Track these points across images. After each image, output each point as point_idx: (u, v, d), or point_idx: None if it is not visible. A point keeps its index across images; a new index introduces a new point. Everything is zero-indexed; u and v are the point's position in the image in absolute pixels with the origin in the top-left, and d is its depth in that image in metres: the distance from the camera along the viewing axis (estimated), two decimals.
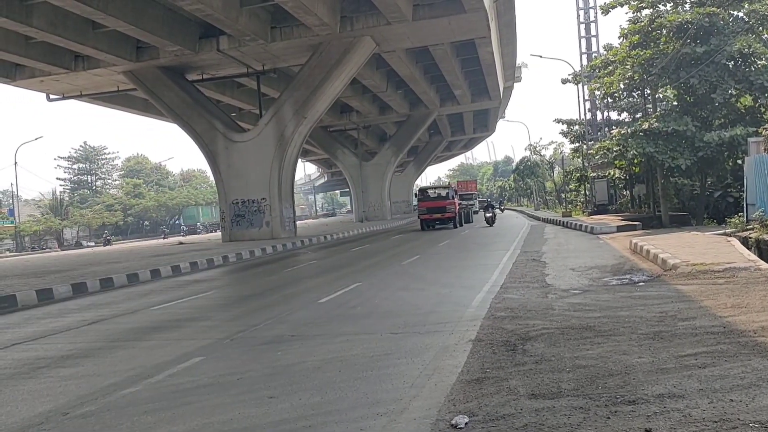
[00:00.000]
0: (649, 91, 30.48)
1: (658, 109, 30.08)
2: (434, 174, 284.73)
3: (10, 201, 71.17)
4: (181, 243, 38.42)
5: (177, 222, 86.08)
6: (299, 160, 41.49)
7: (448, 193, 36.47)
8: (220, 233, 36.07)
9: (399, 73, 39.64)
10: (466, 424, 4.79)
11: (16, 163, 58.31)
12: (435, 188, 38.76)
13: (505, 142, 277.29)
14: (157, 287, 16.73)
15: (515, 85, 59.15)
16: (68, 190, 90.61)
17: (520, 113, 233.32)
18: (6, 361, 8.48)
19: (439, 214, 35.39)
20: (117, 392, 6.53)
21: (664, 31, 25.37)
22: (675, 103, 28.58)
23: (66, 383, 7.11)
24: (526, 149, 74.62)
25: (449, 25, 29.25)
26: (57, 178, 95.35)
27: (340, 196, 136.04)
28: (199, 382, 6.73)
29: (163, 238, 61.89)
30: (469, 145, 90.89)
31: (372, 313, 10.24)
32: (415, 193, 38.11)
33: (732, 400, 4.81)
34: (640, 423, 4.50)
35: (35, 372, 7.76)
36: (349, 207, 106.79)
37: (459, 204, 40.37)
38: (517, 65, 54.02)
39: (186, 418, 5.55)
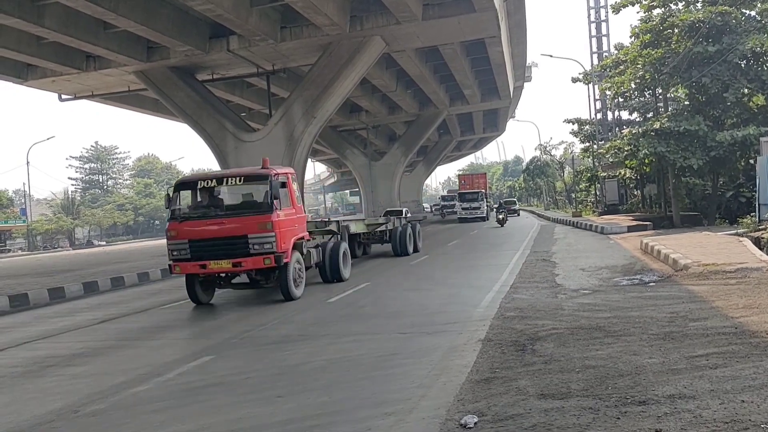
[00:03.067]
0: (660, 91, 30.29)
1: (670, 109, 29.91)
2: (444, 174, 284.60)
3: (23, 200, 71.65)
4: None
5: None
6: (309, 159, 41.49)
7: (268, 195, 12.06)
8: None
9: (409, 72, 39.57)
10: (475, 423, 4.77)
11: (28, 162, 58.62)
12: (223, 178, 12.71)
13: (515, 142, 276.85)
14: (167, 286, 16.78)
15: (525, 84, 58.92)
16: (80, 190, 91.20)
17: (530, 113, 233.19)
18: (17, 360, 8.54)
19: (226, 259, 11.79)
20: (126, 391, 6.56)
21: (676, 30, 25.21)
22: (687, 102, 28.41)
23: (76, 381, 7.14)
24: (536, 149, 74.17)
25: (459, 25, 29.16)
26: (69, 178, 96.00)
27: (350, 195, 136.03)
28: (207, 381, 6.75)
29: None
30: (478, 144, 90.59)
31: (380, 313, 10.24)
32: (168, 193, 12.71)
33: (743, 401, 4.76)
34: (651, 423, 4.46)
35: (46, 370, 7.81)
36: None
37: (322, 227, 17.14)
38: (527, 65, 53.81)
39: (194, 417, 5.57)
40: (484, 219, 45.56)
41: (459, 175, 64.88)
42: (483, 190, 51.23)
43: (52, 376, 7.47)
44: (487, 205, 49.87)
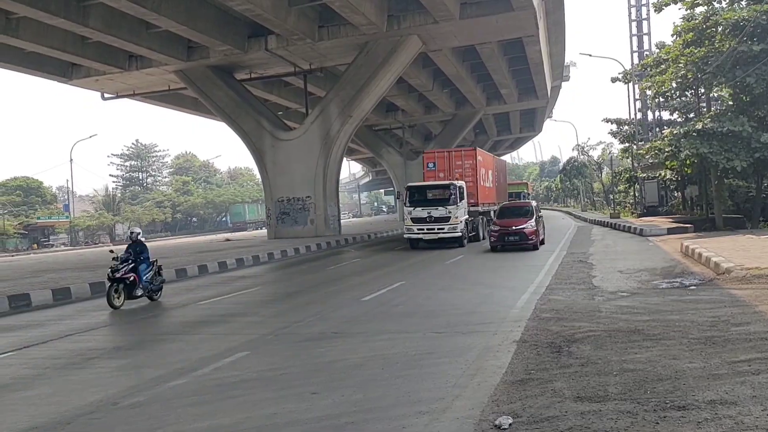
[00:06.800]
0: (703, 90, 29.68)
1: (713, 109, 29.27)
2: None
3: (66, 197, 73.44)
4: (227, 240, 39.03)
5: (224, 219, 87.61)
6: (344, 158, 41.67)
7: None
8: (266, 230, 36.59)
9: (445, 72, 39.47)
10: (509, 425, 4.73)
11: (71, 160, 60.03)
12: None
13: (552, 142, 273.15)
14: (204, 282, 17.04)
15: (563, 84, 58.24)
16: (120, 187, 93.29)
17: (567, 113, 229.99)
18: (60, 351, 8.76)
19: None
20: (164, 384, 6.68)
21: (720, 29, 24.66)
22: (730, 102, 27.75)
23: (116, 374, 7.30)
24: (573, 149, 73.15)
25: (497, 24, 28.98)
26: (110, 175, 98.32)
27: (384, 195, 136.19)
28: (243, 377, 6.83)
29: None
30: (515, 145, 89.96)
31: (414, 312, 10.23)
32: None
33: None
34: (691, 429, 4.37)
35: (87, 362, 7.99)
36: None
37: None
38: (565, 64, 53.18)
39: (230, 412, 5.64)
40: (458, 242, 23.66)
41: (424, 152, 32.36)
42: (460, 183, 25.02)
43: (94, 368, 7.64)
44: (482, 214, 27.40)
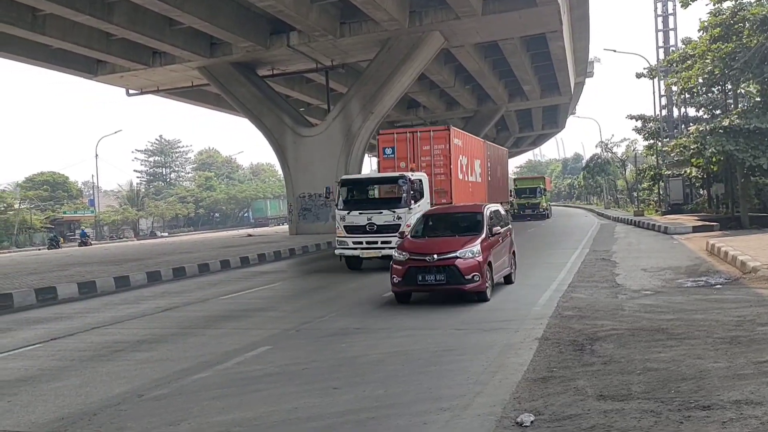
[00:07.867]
0: (730, 87, 29.23)
1: (740, 106, 28.81)
2: None
3: (91, 192, 74.41)
4: (249, 235, 39.28)
5: (246, 215, 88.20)
6: (365, 154, 41.66)
7: None
8: (287, 226, 36.78)
9: (467, 68, 39.25)
10: (531, 422, 4.73)
11: (96, 155, 60.66)
12: None
13: (575, 139, 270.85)
14: (227, 277, 17.18)
15: (587, 80, 57.65)
16: (144, 182, 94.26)
17: (591, 109, 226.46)
18: (86, 344, 8.90)
19: None
20: (188, 377, 6.77)
21: (747, 24, 24.26)
22: (758, 99, 27.29)
23: (141, 367, 7.41)
24: (596, 146, 71.96)
25: (520, 20, 28.74)
26: (134, 171, 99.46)
27: None
28: (266, 371, 6.89)
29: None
30: (537, 141, 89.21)
31: (435, 309, 10.25)
32: None
33: None
34: (715, 429, 4.34)
35: (113, 355, 8.12)
36: None
37: None
38: (589, 60, 52.65)
39: (253, 405, 5.70)
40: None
41: (379, 134, 22.74)
42: (418, 176, 17.74)
43: (120, 361, 7.76)
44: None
